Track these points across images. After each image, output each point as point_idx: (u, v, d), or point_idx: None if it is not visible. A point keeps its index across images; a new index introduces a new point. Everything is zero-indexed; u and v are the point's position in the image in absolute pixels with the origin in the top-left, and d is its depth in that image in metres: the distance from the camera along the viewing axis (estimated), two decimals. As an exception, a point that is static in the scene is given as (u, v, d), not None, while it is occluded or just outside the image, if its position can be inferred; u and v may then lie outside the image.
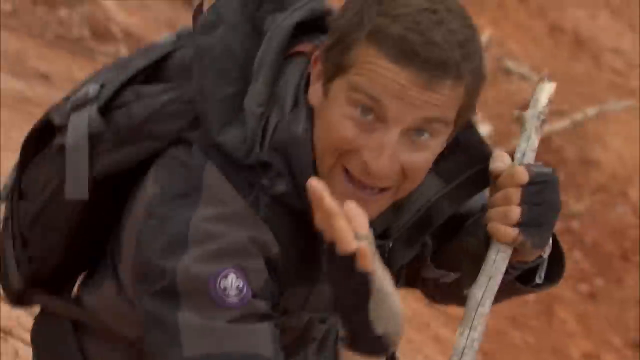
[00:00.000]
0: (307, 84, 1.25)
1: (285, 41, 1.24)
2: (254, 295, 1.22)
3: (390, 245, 1.31)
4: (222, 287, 1.21)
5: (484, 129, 5.24)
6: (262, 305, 1.24)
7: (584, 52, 6.02)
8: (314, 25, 1.28)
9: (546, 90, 1.23)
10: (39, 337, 1.49)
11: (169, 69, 1.32)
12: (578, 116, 5.30)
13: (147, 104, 1.29)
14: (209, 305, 1.21)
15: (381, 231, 1.29)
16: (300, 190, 1.20)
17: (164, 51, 1.34)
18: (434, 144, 1.17)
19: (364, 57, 1.15)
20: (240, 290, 1.23)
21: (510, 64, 5.53)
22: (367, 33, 1.14)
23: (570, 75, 5.62)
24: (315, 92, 1.19)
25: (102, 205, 1.35)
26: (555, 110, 5.28)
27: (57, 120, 1.31)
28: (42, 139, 1.35)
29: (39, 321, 1.48)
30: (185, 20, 4.96)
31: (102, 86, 1.31)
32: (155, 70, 1.33)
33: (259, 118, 1.24)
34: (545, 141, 5.37)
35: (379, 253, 1.19)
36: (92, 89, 1.32)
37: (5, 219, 1.44)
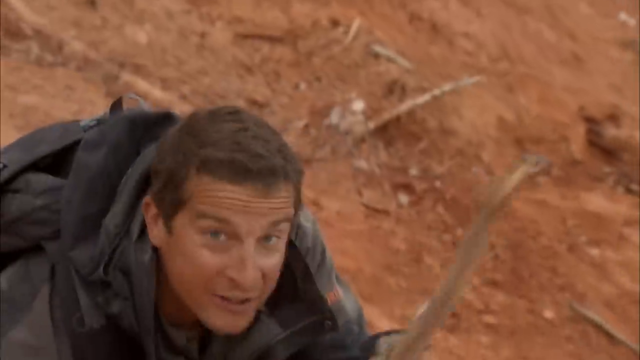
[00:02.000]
0: None
1: (148, 168, 1.20)
2: None
3: None
4: None
5: (358, 105, 5.47)
6: None
7: (439, 36, 5.99)
8: None
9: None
10: None
11: (69, 163, 1.27)
12: (437, 92, 5.53)
13: (23, 203, 1.25)
14: None
15: None
16: (138, 314, 1.16)
17: (71, 140, 1.29)
18: (281, 245, 1.15)
19: (201, 186, 1.11)
20: None
21: (378, 48, 5.60)
22: (196, 165, 1.11)
23: (429, 57, 5.85)
24: (157, 233, 1.14)
25: None
26: (417, 87, 5.54)
27: None
28: None
29: None
30: (89, 19, 5.17)
31: (4, 166, 1.27)
32: (58, 157, 1.29)
33: (112, 239, 1.18)
34: (410, 114, 5.50)
35: None
36: None
37: None
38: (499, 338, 4.88)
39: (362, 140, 5.49)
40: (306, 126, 5.48)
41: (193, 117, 1.15)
